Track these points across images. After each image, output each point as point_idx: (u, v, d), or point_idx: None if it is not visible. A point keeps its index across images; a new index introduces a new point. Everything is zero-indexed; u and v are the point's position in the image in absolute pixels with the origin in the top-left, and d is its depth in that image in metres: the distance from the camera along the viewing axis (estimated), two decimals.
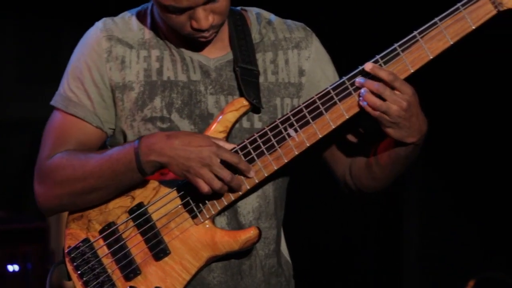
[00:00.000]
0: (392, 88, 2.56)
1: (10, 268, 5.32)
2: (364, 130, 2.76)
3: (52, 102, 2.75)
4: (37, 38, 5.61)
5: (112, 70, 2.70)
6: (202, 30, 2.59)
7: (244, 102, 2.67)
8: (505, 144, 5.75)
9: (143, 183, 2.66)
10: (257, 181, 2.63)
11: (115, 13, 2.79)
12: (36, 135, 2.76)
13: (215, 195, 2.62)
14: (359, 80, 2.59)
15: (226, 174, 2.55)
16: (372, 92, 2.56)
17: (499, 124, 5.75)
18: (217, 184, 2.54)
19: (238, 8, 2.80)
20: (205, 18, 2.57)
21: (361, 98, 2.58)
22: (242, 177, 2.60)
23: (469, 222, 5.97)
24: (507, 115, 5.71)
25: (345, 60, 2.85)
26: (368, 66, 2.57)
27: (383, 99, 2.55)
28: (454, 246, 5.96)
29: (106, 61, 2.70)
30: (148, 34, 2.73)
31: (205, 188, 2.54)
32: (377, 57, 2.60)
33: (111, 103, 2.71)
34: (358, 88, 2.60)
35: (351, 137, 2.77)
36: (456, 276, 5.75)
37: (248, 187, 2.64)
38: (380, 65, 2.59)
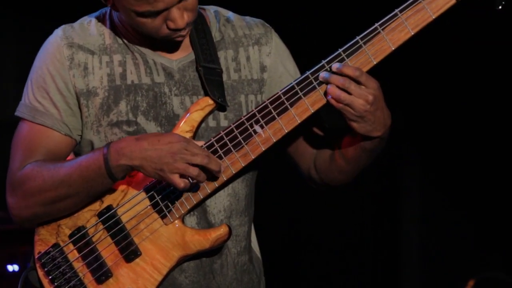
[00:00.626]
0: (358, 82, 2.57)
1: (10, 268, 5.28)
2: (328, 124, 2.77)
3: (18, 113, 2.74)
4: (37, 38, 5.59)
5: (76, 77, 2.69)
6: (179, 29, 2.60)
7: (209, 101, 2.67)
8: (505, 144, 5.77)
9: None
10: (225, 178, 2.64)
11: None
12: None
13: (184, 194, 2.62)
14: (323, 75, 2.60)
15: (201, 158, 2.54)
16: (337, 86, 2.58)
17: (496, 125, 5.78)
18: (194, 171, 2.53)
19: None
20: (180, 17, 2.58)
21: (326, 91, 2.60)
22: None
23: (468, 222, 5.98)
24: (503, 116, 5.73)
25: (306, 54, 2.86)
26: (335, 66, 2.58)
27: (349, 93, 2.57)
28: (454, 246, 5.97)
29: (69, 68, 2.69)
30: (108, 39, 2.72)
31: (181, 183, 2.53)
32: (340, 50, 2.62)
33: (77, 110, 2.71)
34: (322, 82, 2.61)
35: (315, 132, 2.78)
36: (456, 276, 5.76)
37: (217, 185, 2.64)
38: (342, 58, 2.60)
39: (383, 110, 2.61)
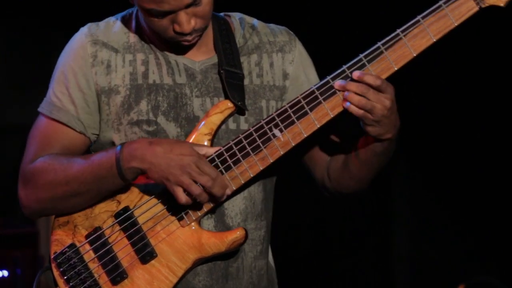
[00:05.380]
0: (378, 90, 2.56)
1: None
2: (340, 131, 2.77)
3: (39, 108, 2.76)
4: (28, 43, 5.60)
5: (98, 74, 2.70)
6: (185, 34, 2.60)
7: (229, 104, 2.67)
8: (497, 148, 5.76)
9: (128, 187, 2.65)
10: (243, 181, 2.63)
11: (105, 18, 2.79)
12: (26, 140, 2.76)
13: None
14: (339, 83, 2.59)
15: (206, 180, 2.54)
16: (355, 92, 2.57)
17: (488, 129, 5.77)
18: (196, 189, 2.53)
19: (222, 14, 2.81)
20: (187, 21, 2.58)
21: (344, 98, 2.59)
22: (228, 178, 2.60)
23: (459, 227, 5.98)
24: (494, 119, 5.73)
25: (329, 59, 2.85)
26: (356, 74, 2.57)
27: (367, 99, 2.56)
28: (444, 251, 5.96)
29: (91, 65, 2.70)
30: (133, 38, 2.73)
31: (182, 198, 2.54)
32: (361, 55, 2.61)
33: (95, 108, 2.71)
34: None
35: (329, 139, 2.78)
36: (446, 281, 5.75)
37: (234, 188, 2.63)
38: (363, 63, 2.59)
39: (396, 113, 2.62)
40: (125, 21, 2.76)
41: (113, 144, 2.71)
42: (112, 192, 2.64)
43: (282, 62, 2.79)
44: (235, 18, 2.82)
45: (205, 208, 2.63)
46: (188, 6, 2.56)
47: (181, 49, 2.72)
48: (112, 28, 2.75)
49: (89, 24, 2.77)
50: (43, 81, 2.85)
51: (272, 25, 2.85)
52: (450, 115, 5.82)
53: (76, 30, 2.77)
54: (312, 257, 6.15)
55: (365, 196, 5.84)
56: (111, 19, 2.79)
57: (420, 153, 6.02)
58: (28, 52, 5.59)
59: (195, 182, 2.53)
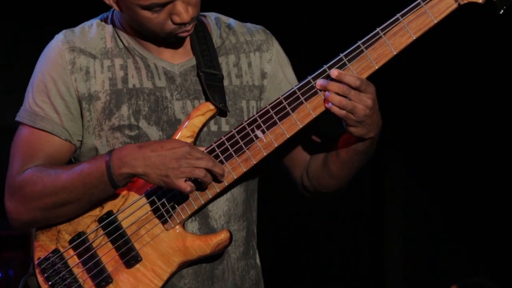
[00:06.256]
0: (358, 90, 2.56)
1: None
2: (321, 130, 2.76)
3: (18, 118, 2.73)
4: (16, 46, 5.59)
5: (78, 81, 2.69)
6: (185, 24, 2.60)
7: (210, 106, 2.67)
8: (488, 149, 5.77)
9: None
10: (226, 183, 2.62)
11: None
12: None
13: (185, 199, 2.61)
14: (320, 82, 2.59)
15: (205, 162, 2.53)
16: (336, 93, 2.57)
17: (480, 129, 5.78)
18: (200, 172, 2.53)
19: None
20: (185, 10, 2.58)
21: (326, 99, 2.59)
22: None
23: (451, 228, 5.99)
24: (488, 123, 5.74)
25: (307, 59, 2.86)
26: (334, 73, 2.57)
27: (348, 99, 2.56)
28: (436, 252, 5.97)
29: (70, 72, 2.69)
30: (110, 43, 2.72)
31: (187, 187, 2.53)
32: (341, 55, 2.61)
33: (78, 115, 2.70)
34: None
35: (308, 138, 2.77)
36: (438, 281, 5.75)
37: (218, 190, 2.63)
38: (344, 63, 2.59)
39: (377, 112, 2.62)
40: (101, 26, 2.75)
41: (95, 150, 2.70)
42: (102, 199, 2.63)
43: (260, 61, 2.79)
44: (211, 18, 2.82)
45: (189, 211, 2.63)
46: None
47: (162, 50, 2.70)
48: (88, 33, 2.73)
49: (64, 31, 2.75)
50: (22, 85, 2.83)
51: (249, 24, 2.85)
52: (441, 114, 5.83)
53: (53, 33, 2.76)
54: (301, 256, 6.14)
55: (357, 196, 5.88)
56: (86, 24, 2.77)
57: (413, 153, 6.03)
58: (16, 55, 5.56)
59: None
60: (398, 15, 2.61)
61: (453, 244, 5.98)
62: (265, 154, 2.63)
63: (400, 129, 5.92)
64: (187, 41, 2.74)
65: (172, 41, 2.68)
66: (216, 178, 2.58)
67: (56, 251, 2.65)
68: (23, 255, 5.35)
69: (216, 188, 2.62)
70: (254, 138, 2.63)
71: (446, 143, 5.89)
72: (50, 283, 2.64)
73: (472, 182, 5.85)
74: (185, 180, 2.53)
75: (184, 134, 2.64)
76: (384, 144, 5.80)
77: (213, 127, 2.70)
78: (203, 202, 2.63)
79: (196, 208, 2.63)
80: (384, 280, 6.14)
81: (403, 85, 5.73)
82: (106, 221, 2.64)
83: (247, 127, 2.63)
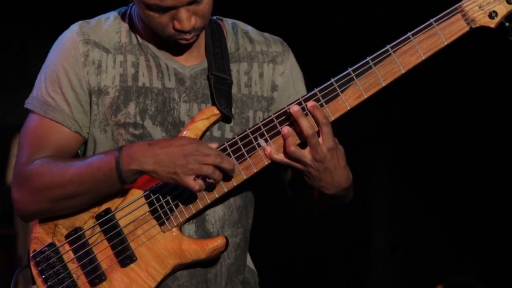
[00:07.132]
0: (319, 129, 2.56)
1: None
2: None
3: (29, 106, 2.72)
4: (6, 45, 5.56)
5: (90, 74, 2.68)
6: (184, 32, 2.59)
7: (215, 111, 2.66)
8: (476, 149, 5.78)
9: None
10: (226, 190, 2.63)
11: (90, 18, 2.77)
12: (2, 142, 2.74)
13: (188, 200, 2.61)
14: (294, 109, 2.58)
15: (213, 158, 2.52)
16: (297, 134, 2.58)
17: (468, 129, 5.79)
18: (208, 169, 2.52)
19: (214, 17, 2.80)
20: (187, 19, 2.57)
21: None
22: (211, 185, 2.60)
23: (436, 227, 6.00)
24: (476, 122, 5.74)
25: (320, 71, 2.85)
26: (294, 108, 2.57)
27: (304, 146, 2.56)
28: (422, 251, 5.99)
29: (83, 65, 2.68)
30: (124, 37, 2.71)
31: (195, 185, 2.52)
32: (349, 69, 2.61)
33: (88, 107, 2.69)
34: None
35: None
36: (424, 281, 5.78)
37: (217, 196, 2.63)
38: (351, 78, 2.59)
39: (334, 172, 2.60)
40: (118, 20, 2.74)
41: (95, 143, 2.70)
42: (110, 194, 2.62)
43: (272, 73, 2.78)
44: (228, 22, 2.81)
45: (187, 214, 2.63)
46: (190, 3, 2.55)
47: (175, 50, 2.70)
48: (103, 26, 2.72)
49: (79, 22, 2.73)
50: (21, 84, 2.82)
51: (267, 34, 2.84)
52: (429, 115, 5.83)
53: (54, 34, 2.74)
54: (291, 259, 6.16)
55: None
56: (102, 17, 2.76)
57: (399, 152, 6.03)
58: (7, 55, 5.54)
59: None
60: (409, 34, 2.61)
61: (438, 244, 6.00)
62: (266, 163, 2.63)
63: (387, 127, 5.93)
64: (202, 44, 2.73)
65: (179, 44, 2.66)
66: (226, 174, 2.56)
67: (52, 244, 2.65)
68: (8, 255, 5.34)
69: (216, 193, 2.61)
70: (257, 146, 2.63)
71: (432, 141, 5.88)
72: (44, 276, 2.64)
73: (457, 181, 5.86)
74: (194, 179, 2.52)
75: (187, 136, 2.64)
76: (371, 142, 5.86)
77: (216, 132, 2.70)
78: (201, 207, 2.63)
79: (194, 212, 2.64)
80: (369, 280, 6.16)
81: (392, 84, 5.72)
82: (103, 219, 2.64)
83: (250, 135, 2.63)
